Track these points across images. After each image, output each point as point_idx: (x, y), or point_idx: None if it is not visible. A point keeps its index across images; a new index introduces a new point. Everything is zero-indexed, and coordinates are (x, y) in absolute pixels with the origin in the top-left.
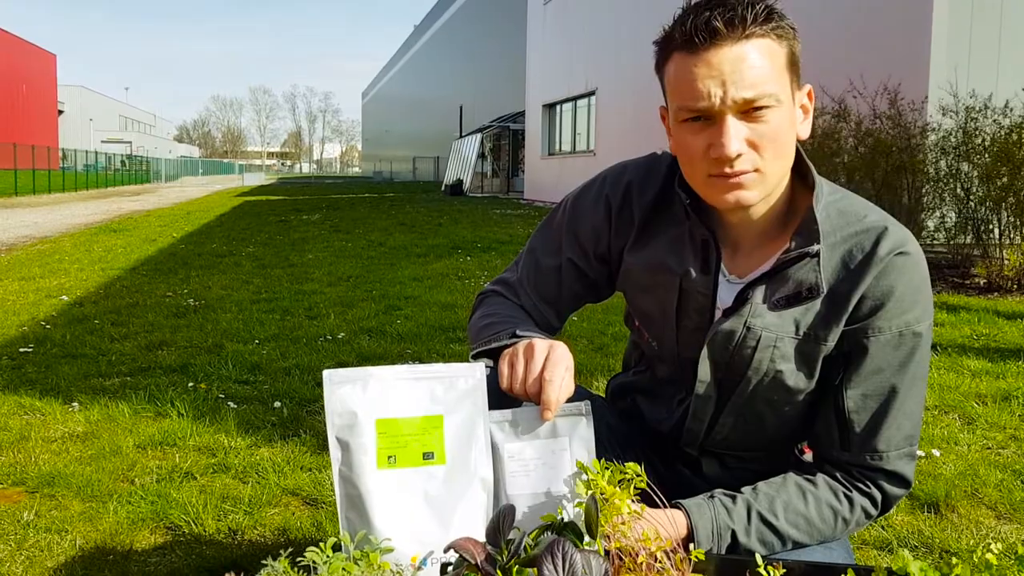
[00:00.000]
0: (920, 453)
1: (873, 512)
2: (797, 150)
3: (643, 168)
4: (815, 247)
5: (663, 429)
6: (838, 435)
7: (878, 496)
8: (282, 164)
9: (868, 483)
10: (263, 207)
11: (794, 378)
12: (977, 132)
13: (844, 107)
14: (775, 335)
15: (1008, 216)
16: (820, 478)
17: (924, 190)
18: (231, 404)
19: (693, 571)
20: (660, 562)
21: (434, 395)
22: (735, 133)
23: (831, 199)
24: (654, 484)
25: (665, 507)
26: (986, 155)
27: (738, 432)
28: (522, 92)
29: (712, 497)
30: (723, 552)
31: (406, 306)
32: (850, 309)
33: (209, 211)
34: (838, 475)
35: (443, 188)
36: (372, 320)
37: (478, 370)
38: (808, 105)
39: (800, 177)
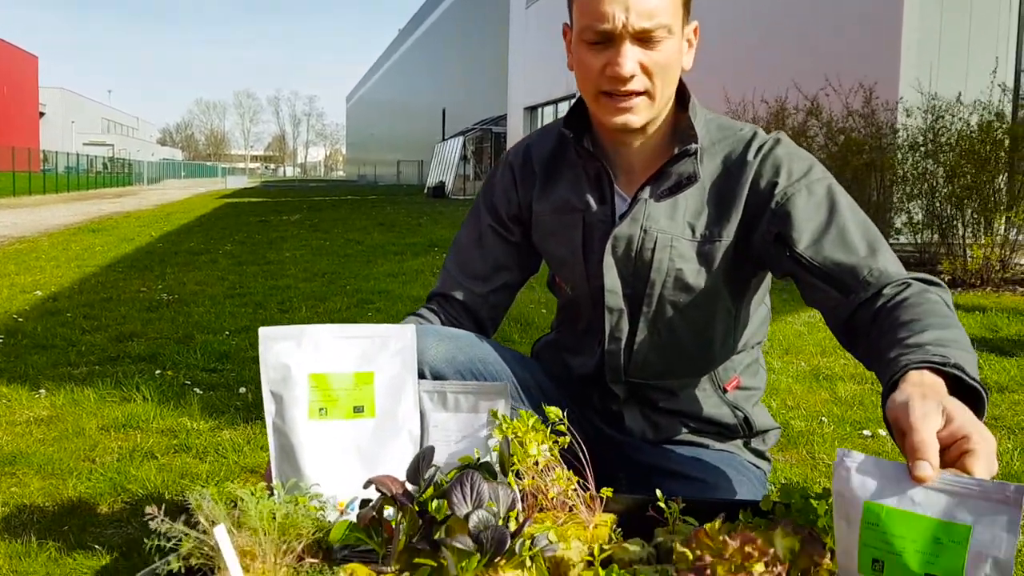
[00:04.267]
0: (866, 432)
1: (931, 286)
2: (680, 80)
3: (540, 131)
4: (693, 146)
5: (587, 371)
6: (835, 288)
7: (912, 282)
8: (266, 167)
9: (894, 286)
10: (244, 208)
11: (695, 276)
12: (943, 131)
13: (817, 105)
14: (670, 235)
15: (972, 214)
16: (888, 310)
17: (894, 189)
18: (197, 390)
19: (604, 510)
20: (571, 499)
21: (365, 353)
22: (631, 56)
23: (710, 116)
24: (581, 444)
25: (583, 453)
26: (952, 153)
27: (656, 353)
28: (504, 95)
29: (917, 351)
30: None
31: (379, 300)
32: (743, 200)
33: (189, 212)
34: (864, 301)
35: (425, 191)
36: (344, 313)
37: (409, 332)
38: (693, 40)
39: (682, 106)
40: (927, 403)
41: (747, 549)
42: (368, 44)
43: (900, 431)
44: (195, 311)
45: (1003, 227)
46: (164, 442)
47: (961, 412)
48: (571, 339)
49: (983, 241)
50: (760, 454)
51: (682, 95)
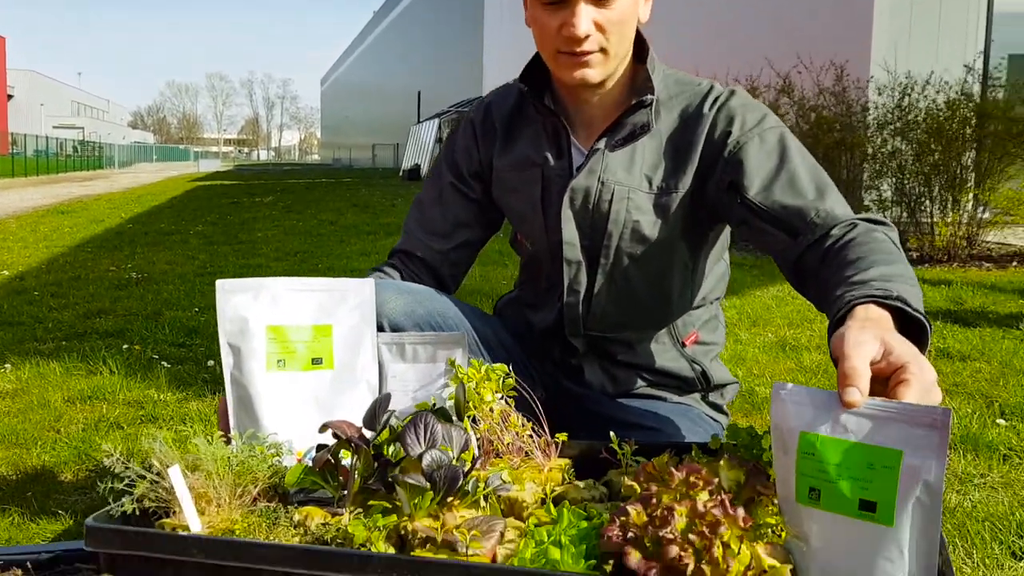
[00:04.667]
0: None
1: (879, 225)
2: (637, 32)
3: (501, 89)
4: (648, 97)
5: (547, 325)
6: (783, 231)
7: (859, 222)
8: (239, 151)
9: (841, 227)
10: (216, 191)
11: (651, 228)
12: (911, 108)
13: (788, 83)
14: (627, 187)
15: (939, 191)
16: (835, 251)
17: (864, 166)
18: (164, 364)
19: (559, 456)
20: (526, 444)
21: (324, 306)
22: (585, 15)
23: (668, 71)
24: (539, 402)
25: (535, 402)
26: (920, 132)
27: (614, 305)
28: (480, 77)
29: (861, 287)
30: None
31: (350, 277)
32: (699, 152)
33: (161, 195)
34: (812, 245)
35: (401, 173)
36: None
37: (367, 286)
38: None
39: (640, 59)
40: (863, 333)
41: (692, 479)
42: (342, 26)
43: (836, 361)
44: (164, 289)
45: (970, 204)
46: (131, 413)
47: (900, 344)
48: (532, 295)
49: (950, 218)
50: (718, 407)
51: (640, 48)
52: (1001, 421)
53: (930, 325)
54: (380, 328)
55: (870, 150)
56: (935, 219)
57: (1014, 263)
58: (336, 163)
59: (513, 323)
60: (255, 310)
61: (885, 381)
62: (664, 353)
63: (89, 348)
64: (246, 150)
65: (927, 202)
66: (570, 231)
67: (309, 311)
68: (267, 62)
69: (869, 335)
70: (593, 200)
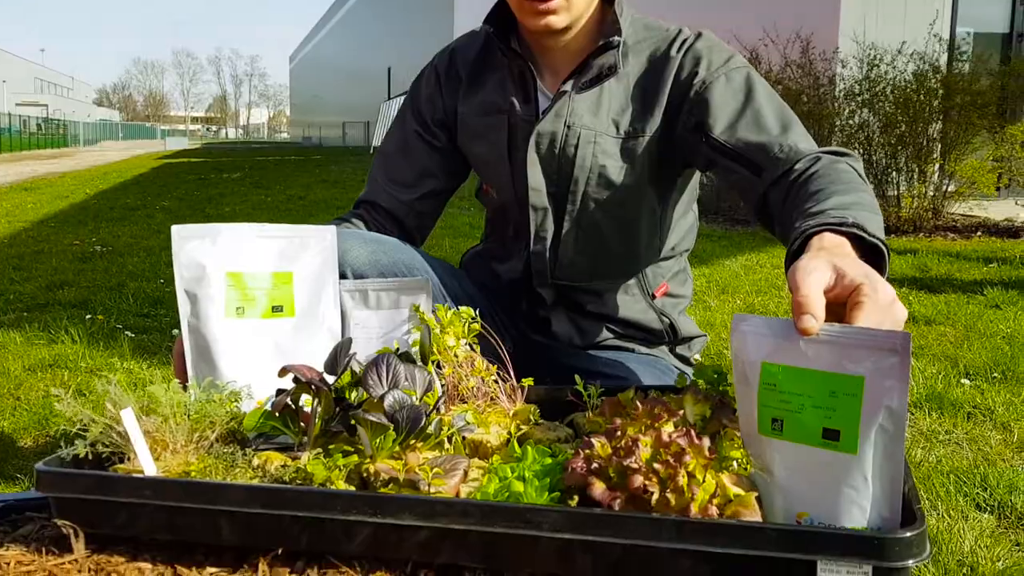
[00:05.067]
0: None
1: (842, 157)
2: None
3: (466, 36)
4: (615, 39)
5: (515, 276)
6: (747, 168)
7: (822, 155)
8: (207, 129)
9: (804, 161)
10: (183, 167)
11: (618, 173)
12: (878, 80)
13: (756, 56)
14: (594, 131)
15: (906, 163)
16: (823, 166)
17: (831, 139)
18: (128, 333)
19: (525, 402)
20: (492, 390)
21: (284, 253)
22: None
23: (637, 16)
24: (506, 352)
25: (501, 347)
26: (887, 104)
27: (581, 253)
28: None
29: (818, 216)
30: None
31: None
32: (666, 95)
33: (127, 172)
34: (776, 184)
35: (372, 150)
36: None
37: (329, 232)
38: None
39: (608, 1)
40: (813, 261)
41: (657, 411)
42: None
43: (791, 293)
44: (129, 261)
45: (935, 176)
46: (93, 381)
47: (852, 266)
48: (499, 247)
49: (915, 189)
50: (685, 360)
51: None
52: (965, 381)
53: (888, 250)
54: (343, 277)
55: (838, 123)
56: (901, 191)
57: (978, 233)
58: (306, 141)
59: (479, 276)
60: (212, 256)
61: (840, 304)
62: (633, 304)
63: (51, 318)
64: (214, 128)
65: (893, 173)
66: (536, 177)
67: (269, 258)
68: (234, 39)
69: (821, 262)
70: (559, 145)
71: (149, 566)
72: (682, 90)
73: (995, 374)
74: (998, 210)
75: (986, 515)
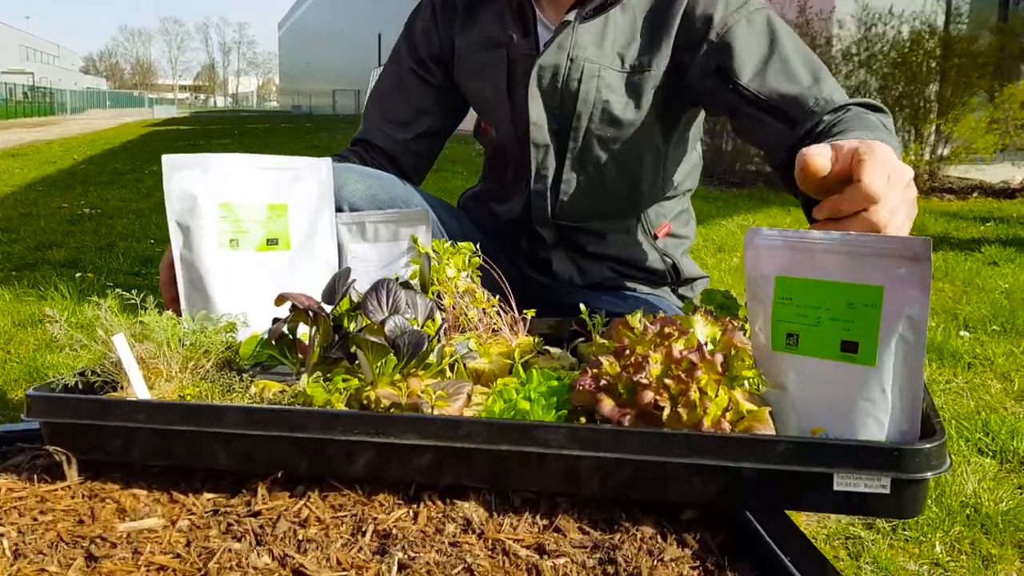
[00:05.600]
0: None
1: (873, 112)
2: None
3: None
4: None
5: (515, 215)
6: (780, 120)
7: (852, 107)
8: (195, 98)
9: (833, 113)
10: (172, 135)
11: (623, 109)
12: (876, 40)
13: None
14: (598, 65)
15: (903, 123)
16: (824, 134)
17: None
18: (119, 291)
19: (528, 333)
20: (494, 320)
21: (279, 185)
22: None
23: None
24: (500, 273)
25: (503, 281)
26: (884, 64)
27: (583, 192)
28: None
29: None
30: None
31: None
32: (675, 28)
33: (115, 139)
34: (816, 132)
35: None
36: None
37: (324, 165)
38: None
39: None
40: (813, 147)
41: (667, 330)
42: None
43: (802, 187)
44: (119, 223)
45: (932, 136)
46: (83, 335)
47: (848, 140)
48: (498, 188)
49: (912, 151)
50: (688, 301)
51: None
52: (964, 333)
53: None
54: (339, 211)
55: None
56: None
57: (975, 194)
58: (295, 110)
59: (478, 217)
60: (205, 186)
61: (846, 181)
62: (635, 245)
63: (40, 276)
64: (202, 97)
65: None
66: (537, 111)
67: (263, 189)
68: (222, 5)
69: (818, 145)
70: (562, 78)
71: (144, 492)
72: (697, 29)
73: (994, 327)
74: (994, 172)
75: (988, 459)
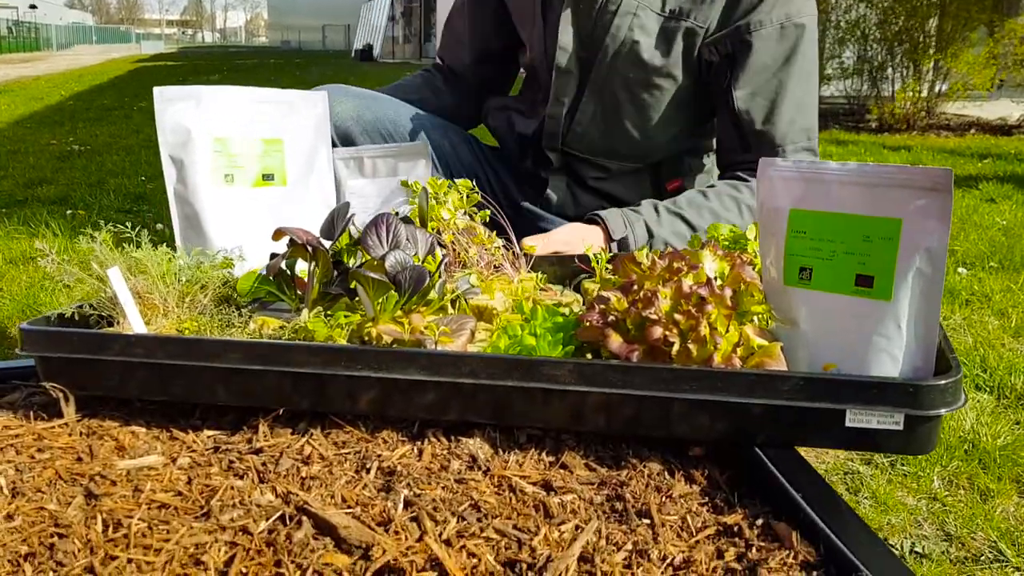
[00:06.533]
0: None
1: (741, 183)
2: None
3: None
4: None
5: (528, 132)
6: (736, 136)
7: (736, 175)
8: (183, 33)
9: (729, 173)
10: (161, 70)
11: (650, 53)
12: None
13: None
14: (636, 3)
15: (902, 58)
16: (719, 181)
17: (827, 35)
18: (111, 227)
19: (531, 270)
20: (495, 258)
21: (274, 119)
22: None
23: None
24: (499, 208)
25: (502, 216)
26: None
27: (596, 127)
28: None
29: (619, 208)
30: (639, 247)
31: None
32: None
33: (103, 75)
34: (739, 173)
35: (352, 54)
36: None
37: (320, 100)
38: None
39: None
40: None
41: (675, 265)
42: None
43: None
44: (108, 160)
45: (930, 72)
46: (76, 272)
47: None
48: (525, 104)
49: (909, 86)
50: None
51: None
52: (962, 270)
53: (628, 242)
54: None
55: (834, 17)
56: (896, 88)
57: (972, 131)
58: (285, 45)
59: (495, 122)
60: (198, 119)
61: None
62: (638, 190)
63: (31, 214)
64: (190, 32)
65: (889, 70)
66: (566, 36)
67: (257, 123)
68: None
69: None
70: (597, 7)
71: (143, 429)
72: (737, 11)
73: (992, 263)
74: (992, 109)
75: (985, 395)
